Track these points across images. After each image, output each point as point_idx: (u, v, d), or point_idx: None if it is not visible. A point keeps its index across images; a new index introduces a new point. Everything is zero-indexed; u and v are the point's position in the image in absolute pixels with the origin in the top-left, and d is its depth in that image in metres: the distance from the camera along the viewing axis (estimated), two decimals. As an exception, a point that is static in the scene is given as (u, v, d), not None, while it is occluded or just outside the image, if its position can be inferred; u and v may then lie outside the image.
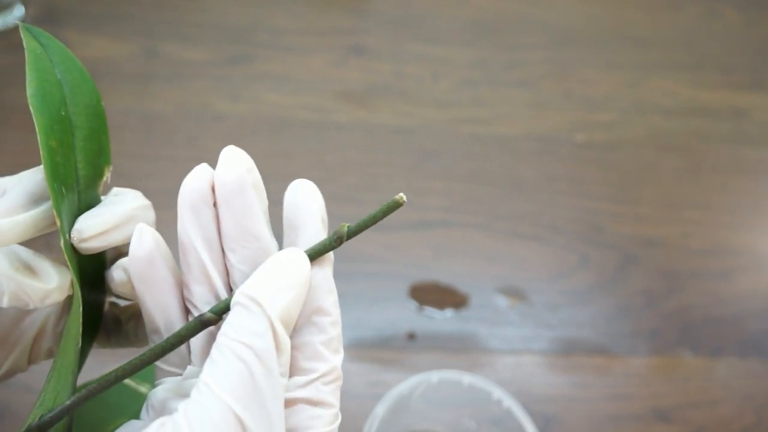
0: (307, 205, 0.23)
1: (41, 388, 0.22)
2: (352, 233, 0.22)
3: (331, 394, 0.22)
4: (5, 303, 0.21)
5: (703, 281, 0.59)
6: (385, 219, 0.22)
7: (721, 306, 0.58)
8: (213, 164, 0.23)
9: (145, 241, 0.22)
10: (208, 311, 0.22)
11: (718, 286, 0.59)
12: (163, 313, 0.23)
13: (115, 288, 0.24)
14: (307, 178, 0.23)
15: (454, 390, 0.43)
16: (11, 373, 0.26)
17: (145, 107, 0.59)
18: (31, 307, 0.22)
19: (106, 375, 0.21)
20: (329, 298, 0.22)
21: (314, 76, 0.65)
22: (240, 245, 0.22)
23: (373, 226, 0.22)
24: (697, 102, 0.71)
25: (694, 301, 0.58)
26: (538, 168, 0.63)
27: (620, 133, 0.67)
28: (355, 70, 0.67)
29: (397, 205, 0.22)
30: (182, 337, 0.22)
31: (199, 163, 0.23)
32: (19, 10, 0.61)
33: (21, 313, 0.26)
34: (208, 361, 0.19)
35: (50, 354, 0.27)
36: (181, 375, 0.23)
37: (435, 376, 0.42)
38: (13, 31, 0.61)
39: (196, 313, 0.23)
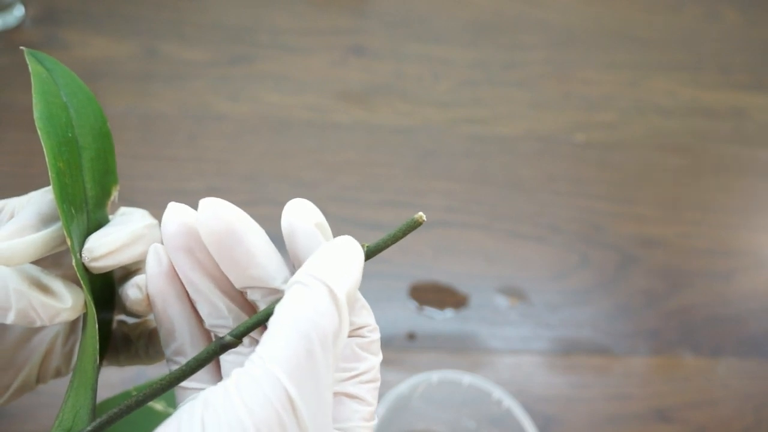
0: (304, 229, 0.21)
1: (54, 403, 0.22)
2: (371, 253, 0.22)
3: (368, 392, 0.22)
4: (10, 319, 0.21)
5: (703, 281, 0.59)
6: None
7: (721, 306, 0.58)
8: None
9: (163, 259, 0.23)
10: (228, 334, 0.21)
11: (719, 286, 0.59)
12: (184, 327, 0.23)
13: (130, 306, 0.24)
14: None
15: (453, 390, 0.43)
16: (20, 392, 0.26)
17: (145, 107, 0.59)
18: (38, 324, 0.22)
19: (127, 398, 0.21)
20: (363, 312, 0.23)
21: (314, 76, 0.65)
22: (247, 287, 0.22)
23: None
24: (697, 102, 0.71)
25: (694, 301, 0.58)
26: (538, 168, 0.63)
27: (620, 133, 0.67)
28: (355, 70, 0.67)
29: (416, 224, 0.22)
30: (202, 361, 0.21)
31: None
32: (19, 10, 0.61)
33: (28, 333, 0.26)
34: (265, 334, 0.19)
35: (58, 373, 0.27)
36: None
37: (435, 376, 0.42)
38: (13, 31, 0.61)
39: (213, 330, 0.23)
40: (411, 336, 0.52)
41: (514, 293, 0.56)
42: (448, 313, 0.54)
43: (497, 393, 0.43)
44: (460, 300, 0.55)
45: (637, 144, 0.67)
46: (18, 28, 0.61)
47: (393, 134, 0.63)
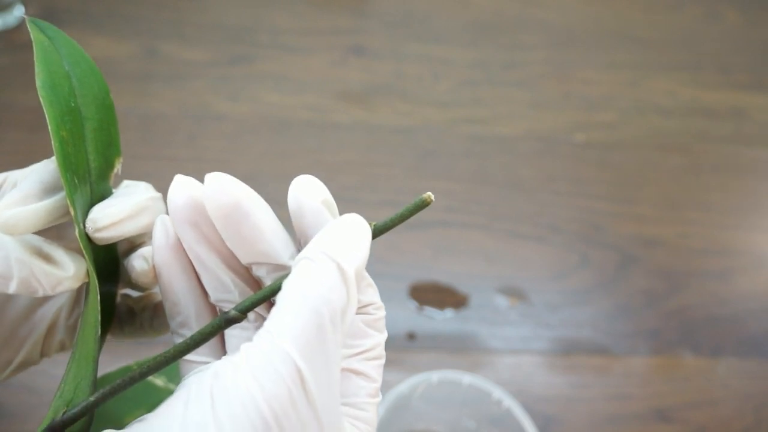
0: (311, 206, 0.21)
1: (43, 383, 0.22)
2: (378, 232, 0.22)
3: (374, 369, 0.22)
4: (12, 288, 0.21)
5: (703, 281, 0.59)
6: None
7: (721, 306, 0.58)
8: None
9: (170, 230, 0.22)
10: (233, 309, 0.21)
11: (718, 286, 0.59)
12: (189, 300, 0.23)
13: (136, 278, 0.24)
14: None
15: (453, 390, 0.43)
16: (24, 365, 0.26)
17: (145, 107, 0.60)
18: (40, 294, 0.21)
19: (130, 370, 0.21)
20: (369, 290, 0.23)
21: (314, 76, 0.65)
22: (253, 262, 0.22)
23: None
24: (697, 102, 0.71)
25: (694, 301, 0.58)
26: (538, 168, 0.63)
27: (620, 133, 0.67)
28: (355, 70, 0.67)
29: (424, 204, 0.21)
30: (206, 335, 0.21)
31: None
32: (19, 10, 0.61)
33: (31, 306, 0.26)
34: (274, 309, 0.19)
35: (62, 347, 0.27)
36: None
37: (435, 376, 0.42)
38: (13, 31, 0.61)
39: (218, 305, 0.23)
40: (411, 336, 0.52)
41: (514, 293, 0.56)
42: (448, 313, 0.54)
43: (497, 393, 0.43)
44: (460, 300, 0.55)
45: (637, 144, 0.67)
46: (18, 28, 0.61)
47: (393, 134, 0.63)
